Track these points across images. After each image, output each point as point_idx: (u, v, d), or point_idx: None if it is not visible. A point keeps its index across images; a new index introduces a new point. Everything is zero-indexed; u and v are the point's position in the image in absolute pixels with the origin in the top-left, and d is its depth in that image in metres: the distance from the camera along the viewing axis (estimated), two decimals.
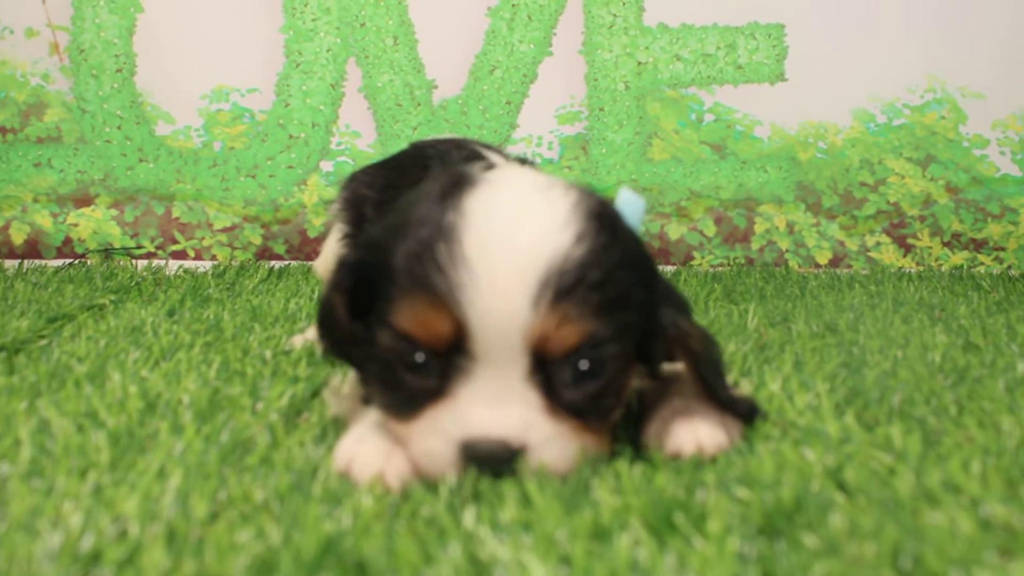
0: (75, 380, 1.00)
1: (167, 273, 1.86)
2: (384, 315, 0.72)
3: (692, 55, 1.97)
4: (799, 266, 2.04)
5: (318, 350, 1.09)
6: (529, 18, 1.94)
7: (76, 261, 1.96)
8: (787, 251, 2.04)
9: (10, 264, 1.91)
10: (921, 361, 1.10)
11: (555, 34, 1.97)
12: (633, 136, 1.99)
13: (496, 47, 1.96)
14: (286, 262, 1.98)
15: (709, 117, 1.99)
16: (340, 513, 0.64)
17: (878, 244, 2.04)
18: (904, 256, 2.04)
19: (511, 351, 0.68)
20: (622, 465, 0.70)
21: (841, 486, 0.68)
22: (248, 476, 0.72)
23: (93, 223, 2.01)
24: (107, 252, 2.00)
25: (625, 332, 0.72)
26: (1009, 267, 2.03)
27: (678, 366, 0.82)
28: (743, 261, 2.04)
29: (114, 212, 2.01)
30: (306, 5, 1.95)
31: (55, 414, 0.87)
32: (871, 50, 1.97)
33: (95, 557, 0.59)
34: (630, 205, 0.83)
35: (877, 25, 1.97)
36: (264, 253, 2.03)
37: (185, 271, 1.86)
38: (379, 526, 0.62)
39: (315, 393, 0.96)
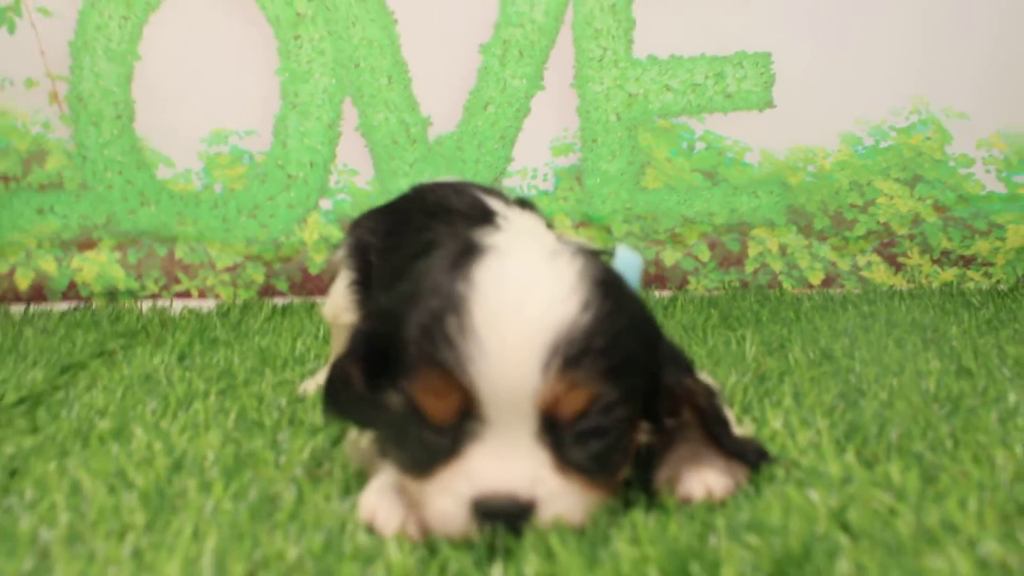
0: (99, 436, 1.04)
1: (172, 314, 1.89)
2: (397, 382, 0.75)
3: (682, 85, 2.01)
4: (793, 287, 2.08)
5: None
6: (520, 54, 1.99)
7: (82, 305, 1.99)
8: (780, 273, 2.08)
9: (16, 309, 1.94)
10: (916, 390, 1.13)
11: (547, 69, 2.01)
12: (626, 166, 2.03)
13: (489, 83, 2.00)
14: (289, 299, 2.02)
15: (700, 145, 2.04)
16: (373, 571, 0.67)
17: (869, 264, 2.08)
18: (895, 274, 2.09)
19: (521, 415, 0.71)
20: (638, 515, 0.74)
21: (845, 528, 0.71)
22: (279, 534, 0.75)
23: (97, 266, 2.04)
24: (112, 295, 2.04)
25: (630, 394, 0.75)
26: (998, 282, 2.08)
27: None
28: (738, 284, 2.08)
29: (117, 255, 2.04)
30: (301, 48, 1.99)
31: (85, 475, 0.90)
32: (856, 75, 2.02)
33: None
34: (628, 263, 0.86)
35: (861, 51, 2.02)
36: (267, 291, 2.06)
37: (189, 311, 1.90)
38: None
39: (335, 443, 1.00)
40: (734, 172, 2.04)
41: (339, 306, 1.29)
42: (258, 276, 2.05)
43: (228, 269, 2.05)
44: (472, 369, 0.70)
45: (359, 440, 0.94)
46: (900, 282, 2.09)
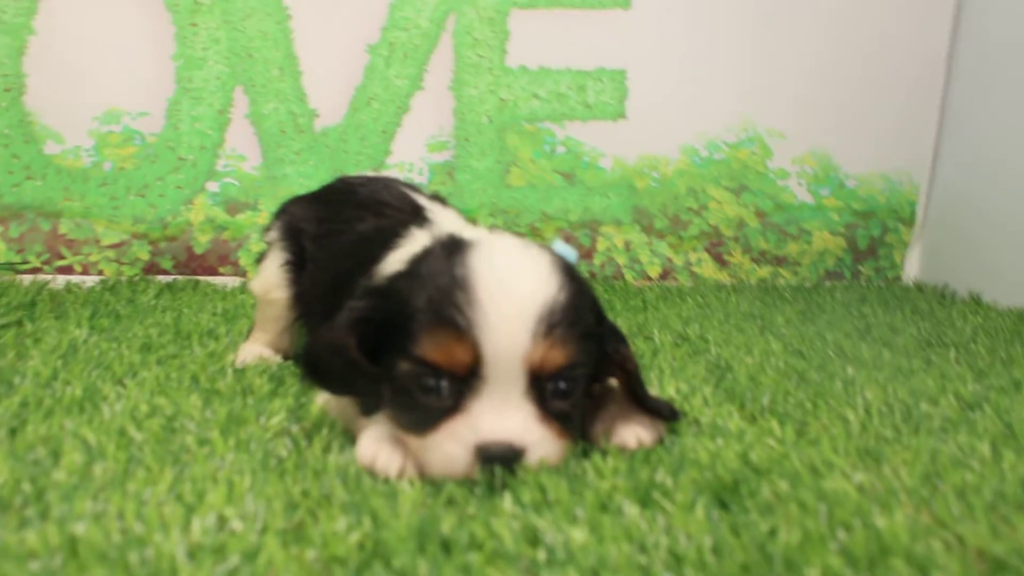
0: (76, 401, 1.11)
1: (55, 288, 1.91)
2: (405, 348, 0.90)
3: (547, 94, 2.22)
4: (634, 279, 2.33)
5: (301, 379, 1.22)
6: (404, 56, 2.13)
7: None
8: (624, 266, 2.33)
9: None
10: (771, 367, 1.38)
11: (427, 71, 2.16)
12: (494, 164, 2.21)
13: (374, 81, 2.13)
14: (172, 277, 2.08)
15: (561, 149, 2.25)
16: (400, 504, 0.83)
17: (699, 260, 2.37)
18: (720, 270, 2.38)
19: (513, 373, 0.89)
20: (597, 458, 0.93)
21: (753, 468, 0.93)
22: (291, 480, 0.88)
23: None
24: None
25: (589, 358, 0.95)
26: (804, 280, 2.41)
27: (611, 382, 1.06)
28: (587, 275, 2.31)
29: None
30: (197, 35, 2.05)
31: (90, 433, 0.99)
32: (697, 95, 2.28)
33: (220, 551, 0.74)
34: (564, 255, 1.06)
35: (702, 74, 2.27)
36: (151, 268, 2.11)
37: (74, 285, 1.93)
38: (446, 513, 0.81)
39: (302, 407, 1.13)
40: (589, 175, 2.27)
41: (271, 283, 1.40)
42: (143, 254, 2.10)
43: (113, 246, 2.09)
44: (478, 332, 0.87)
45: (330, 402, 1.08)
46: (724, 277, 2.38)
